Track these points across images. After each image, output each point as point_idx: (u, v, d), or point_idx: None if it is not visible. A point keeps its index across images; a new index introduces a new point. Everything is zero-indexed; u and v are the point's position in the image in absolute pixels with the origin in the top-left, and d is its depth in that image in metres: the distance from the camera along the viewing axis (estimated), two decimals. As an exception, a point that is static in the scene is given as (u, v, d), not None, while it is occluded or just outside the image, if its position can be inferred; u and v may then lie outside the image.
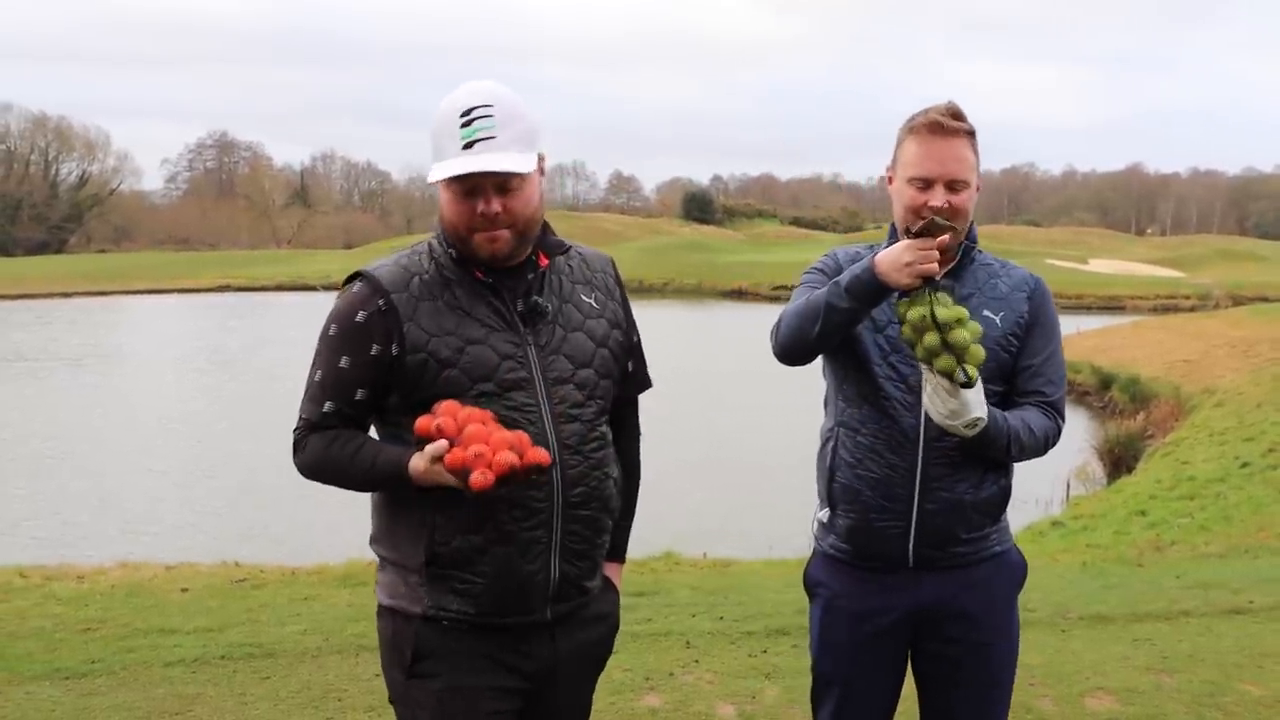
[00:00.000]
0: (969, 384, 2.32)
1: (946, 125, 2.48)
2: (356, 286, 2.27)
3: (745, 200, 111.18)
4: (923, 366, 2.38)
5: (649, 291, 52.20)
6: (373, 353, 2.21)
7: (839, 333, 2.48)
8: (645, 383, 2.57)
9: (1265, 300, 37.20)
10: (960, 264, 2.61)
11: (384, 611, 2.36)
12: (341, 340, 2.24)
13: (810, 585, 2.78)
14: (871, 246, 2.66)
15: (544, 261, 2.32)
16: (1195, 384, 19.29)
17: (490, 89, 2.19)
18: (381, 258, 2.32)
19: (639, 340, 2.53)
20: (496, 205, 2.18)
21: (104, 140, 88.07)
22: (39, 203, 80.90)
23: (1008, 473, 2.65)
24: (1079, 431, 17.37)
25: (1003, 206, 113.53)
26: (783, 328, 2.55)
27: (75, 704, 4.46)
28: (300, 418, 2.31)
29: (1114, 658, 5.09)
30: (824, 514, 2.71)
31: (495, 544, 2.22)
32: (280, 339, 30.99)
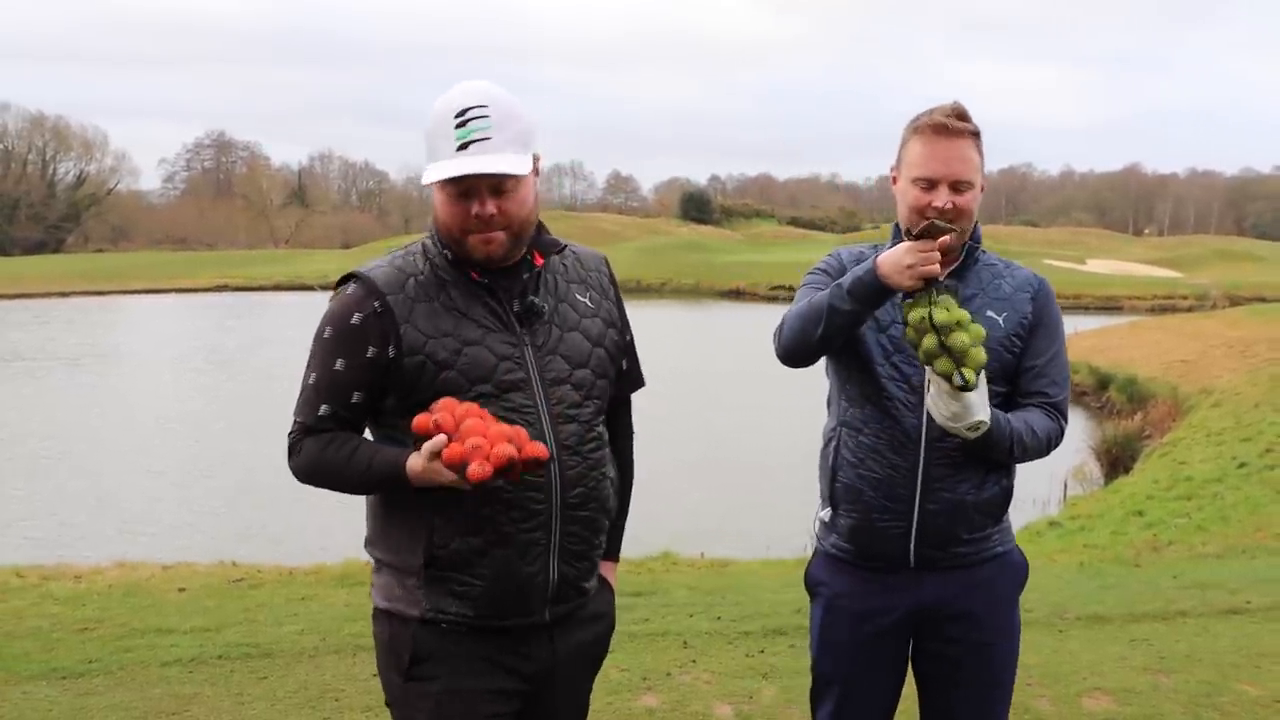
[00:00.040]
0: (966, 388, 2.32)
1: (951, 126, 2.49)
2: (351, 288, 2.24)
3: (743, 200, 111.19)
4: (926, 368, 2.39)
5: (646, 291, 52.18)
6: (369, 355, 2.20)
7: (842, 335, 2.48)
8: (639, 381, 2.57)
9: (1263, 300, 37.25)
10: (964, 264, 2.61)
11: (380, 614, 2.34)
12: (337, 342, 2.22)
13: (811, 585, 2.77)
14: (875, 246, 2.66)
15: (539, 261, 2.31)
16: (1193, 384, 19.30)
17: (485, 89, 2.18)
18: (375, 258, 2.31)
19: (632, 339, 2.53)
20: (491, 207, 2.17)
21: (101, 140, 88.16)
22: (36, 202, 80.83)
23: (1010, 473, 2.65)
24: (1076, 431, 17.37)
25: (1000, 207, 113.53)
26: (785, 330, 2.55)
27: (72, 704, 4.45)
28: (295, 421, 2.28)
29: (1111, 658, 5.09)
30: (826, 513, 2.71)
31: (494, 546, 2.21)
32: (278, 339, 30.95)
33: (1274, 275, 52.03)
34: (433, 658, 2.27)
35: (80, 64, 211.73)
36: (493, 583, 2.23)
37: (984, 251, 2.66)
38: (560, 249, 2.37)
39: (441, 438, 2.05)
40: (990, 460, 2.55)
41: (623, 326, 2.47)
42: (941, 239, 2.33)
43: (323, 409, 2.24)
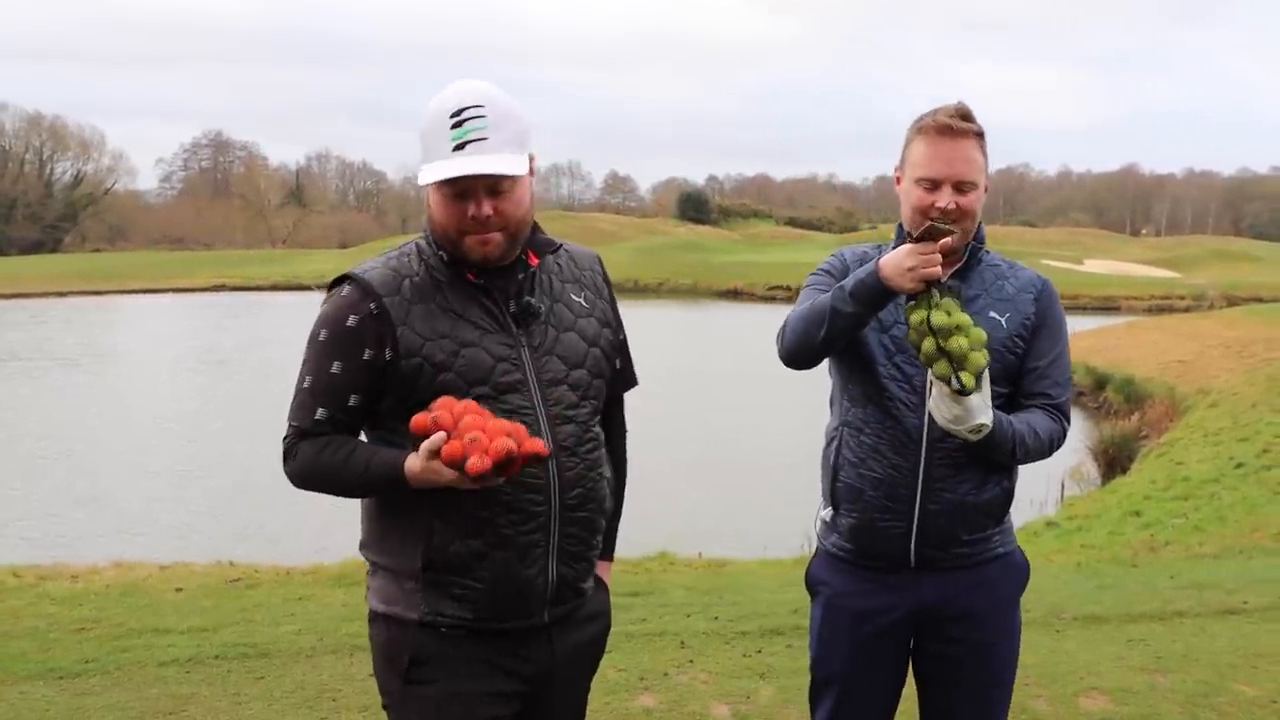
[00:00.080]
0: (964, 392, 2.31)
1: (955, 126, 2.49)
2: (346, 290, 2.22)
3: (741, 200, 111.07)
4: (928, 370, 2.39)
5: (644, 291, 52.18)
6: (365, 357, 2.18)
7: (845, 337, 2.48)
8: (631, 380, 2.56)
9: (1260, 301, 37.31)
10: (967, 265, 2.61)
11: (377, 618, 2.33)
12: (333, 345, 2.20)
13: (812, 584, 2.77)
14: (879, 247, 2.66)
15: (534, 261, 2.30)
16: (1190, 384, 19.31)
17: (481, 89, 2.16)
18: (368, 259, 2.29)
19: (625, 338, 2.52)
20: (488, 208, 2.15)
21: (99, 140, 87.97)
22: (34, 202, 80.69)
23: (1011, 474, 2.65)
24: (1073, 432, 17.11)
25: (998, 207, 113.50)
26: (788, 332, 2.55)
27: (69, 704, 4.45)
28: (290, 425, 2.26)
29: (1108, 658, 5.09)
30: (827, 513, 2.71)
31: (494, 549, 2.20)
32: (275, 339, 30.91)
33: (1271, 275, 52.09)
34: (432, 661, 2.25)
35: (77, 63, 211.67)
36: (492, 585, 2.22)
37: (988, 252, 2.66)
38: (555, 248, 2.36)
39: (441, 434, 2.03)
40: (992, 461, 2.55)
41: (617, 325, 2.47)
42: (943, 241, 2.33)
43: (319, 412, 2.22)
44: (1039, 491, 12.88)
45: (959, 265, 2.59)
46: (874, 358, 2.57)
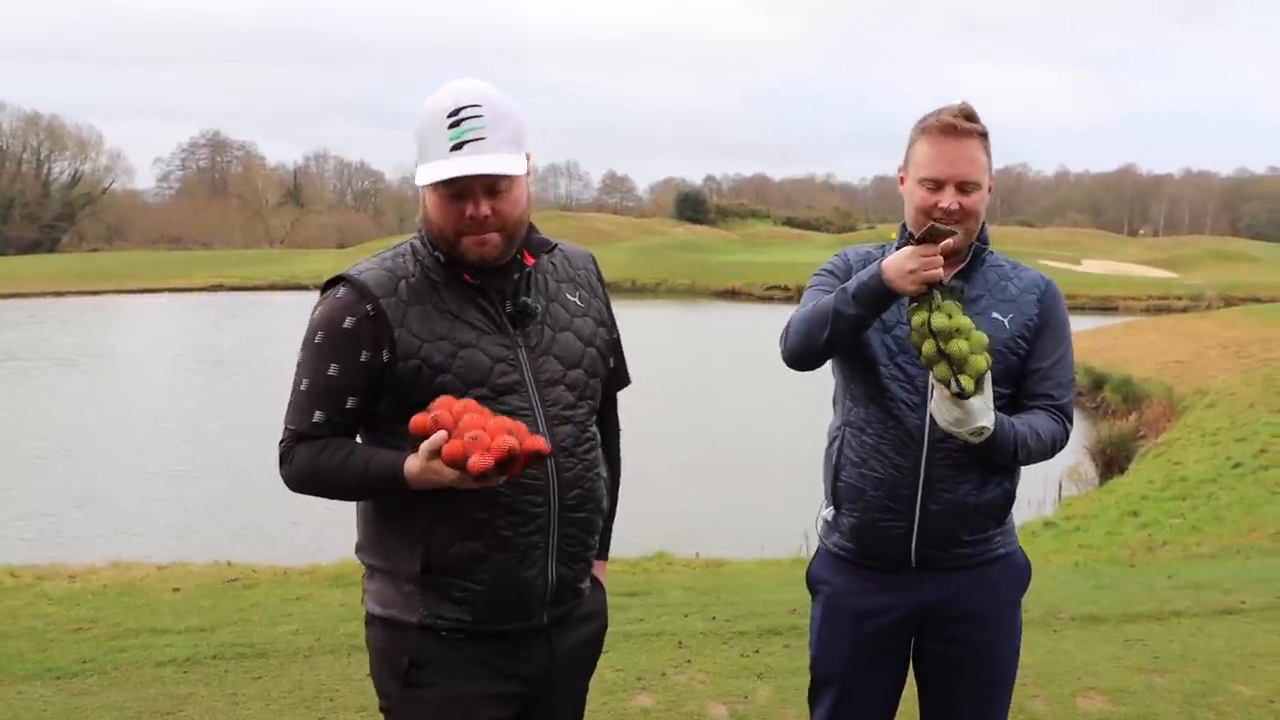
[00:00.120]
0: (963, 395, 2.31)
1: (959, 126, 2.48)
2: (341, 291, 2.21)
3: (738, 200, 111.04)
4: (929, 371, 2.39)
5: (641, 291, 52.20)
6: (362, 359, 2.16)
7: (848, 338, 2.48)
8: (625, 380, 2.56)
9: (1257, 301, 37.36)
10: (971, 265, 2.61)
11: (375, 621, 2.31)
12: (329, 347, 2.19)
13: (813, 583, 2.77)
14: (883, 247, 2.66)
15: (529, 261, 2.29)
16: (1187, 384, 19.32)
17: (478, 88, 2.14)
18: (362, 260, 2.27)
19: (618, 337, 2.51)
20: (486, 208, 2.14)
21: (96, 139, 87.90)
22: (31, 202, 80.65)
23: (1012, 475, 2.65)
24: (1072, 432, 17.36)
25: (996, 207, 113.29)
26: (791, 334, 2.55)
27: (67, 704, 4.44)
28: (286, 429, 2.24)
29: (1106, 658, 5.09)
30: (829, 512, 2.71)
31: (493, 551, 2.19)
32: (273, 338, 30.87)
33: (1269, 276, 52.15)
34: (431, 664, 2.24)
35: (75, 63, 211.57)
36: (492, 588, 2.21)
37: (991, 252, 2.65)
38: (550, 248, 2.35)
39: (441, 433, 2.01)
40: (993, 462, 2.55)
41: (611, 324, 2.46)
42: (944, 242, 2.33)
43: (316, 415, 2.20)
44: (1037, 492, 12.89)
45: (962, 266, 2.59)
46: (876, 358, 2.57)
